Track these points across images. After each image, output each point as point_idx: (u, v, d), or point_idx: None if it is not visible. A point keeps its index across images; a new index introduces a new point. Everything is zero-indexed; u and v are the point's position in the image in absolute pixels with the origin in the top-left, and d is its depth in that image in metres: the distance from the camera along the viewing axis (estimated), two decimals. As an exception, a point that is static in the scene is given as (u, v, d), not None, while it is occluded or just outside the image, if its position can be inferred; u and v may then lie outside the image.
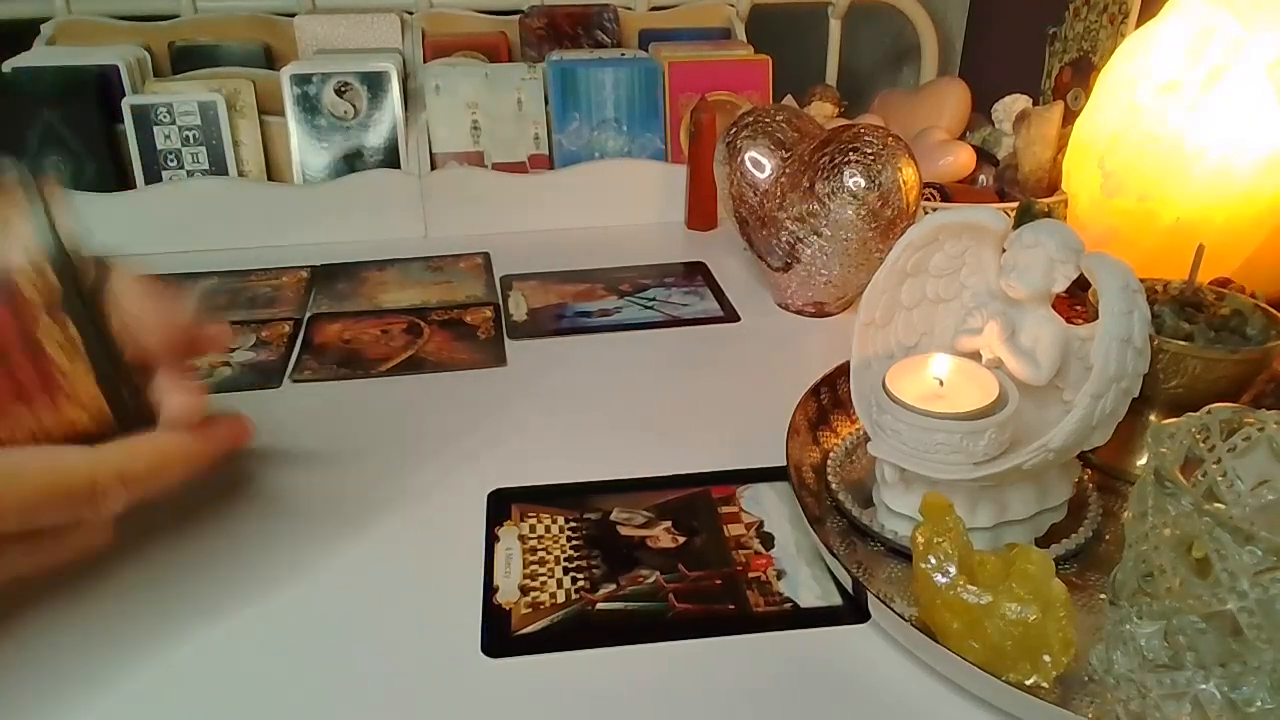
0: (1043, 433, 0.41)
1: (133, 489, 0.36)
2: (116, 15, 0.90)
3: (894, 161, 0.62)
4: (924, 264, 0.48)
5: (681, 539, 0.47)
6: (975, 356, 0.46)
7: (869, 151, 0.62)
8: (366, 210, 0.82)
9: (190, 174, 0.81)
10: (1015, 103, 0.85)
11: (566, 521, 0.48)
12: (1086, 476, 0.49)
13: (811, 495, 0.47)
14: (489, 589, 0.43)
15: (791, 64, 0.95)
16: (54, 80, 0.79)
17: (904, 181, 0.62)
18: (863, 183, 0.61)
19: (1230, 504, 0.38)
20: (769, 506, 0.49)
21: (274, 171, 0.83)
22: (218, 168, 0.81)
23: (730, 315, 0.70)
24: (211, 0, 0.92)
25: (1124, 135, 0.62)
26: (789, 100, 0.97)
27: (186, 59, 0.89)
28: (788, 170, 0.66)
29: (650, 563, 0.45)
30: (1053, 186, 0.76)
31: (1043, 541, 0.45)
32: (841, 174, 0.62)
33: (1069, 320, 0.45)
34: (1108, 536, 0.45)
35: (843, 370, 0.54)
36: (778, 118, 0.68)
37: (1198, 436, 0.38)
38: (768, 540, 0.47)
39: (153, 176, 0.80)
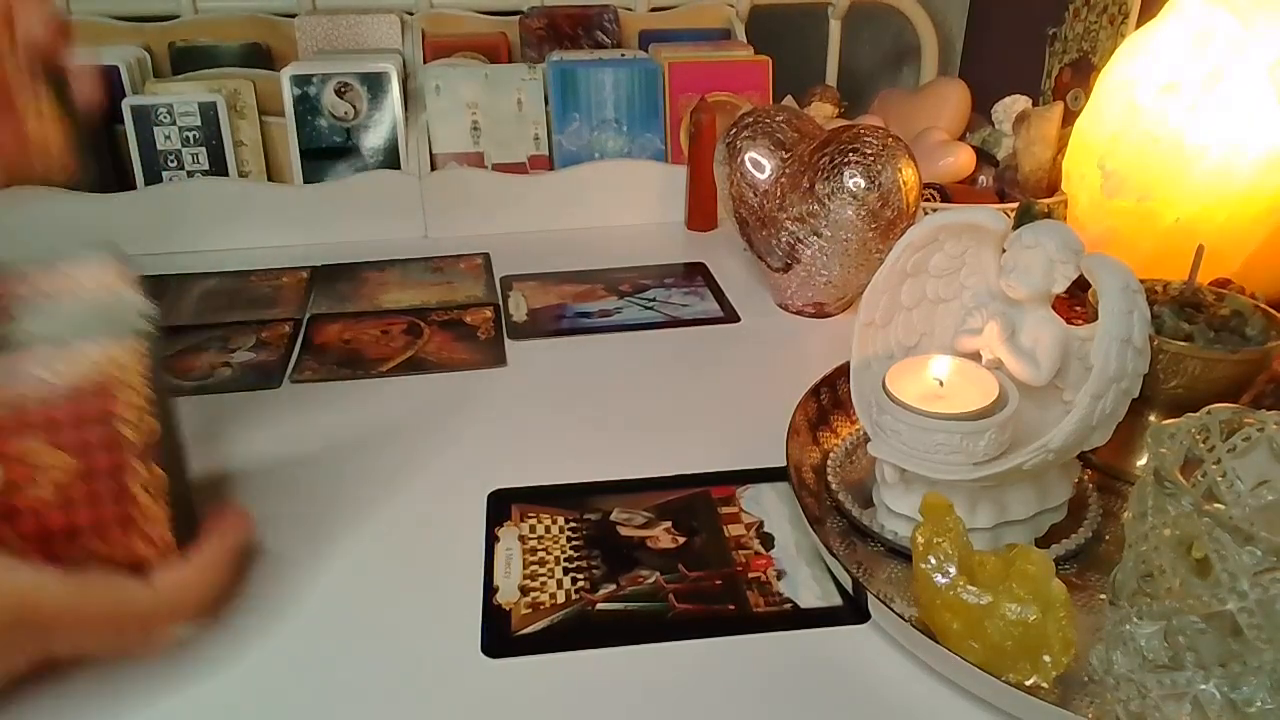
0: (1043, 433, 0.41)
1: (180, 621, 0.38)
2: (116, 15, 0.90)
3: (894, 162, 0.62)
4: (924, 264, 0.48)
5: (681, 539, 0.47)
6: (975, 357, 0.46)
7: (869, 152, 0.62)
8: (366, 210, 0.82)
9: (190, 174, 0.81)
10: (1015, 103, 0.85)
11: (566, 522, 0.48)
12: (1086, 476, 0.49)
13: (811, 495, 0.47)
14: (489, 589, 0.43)
15: (791, 64, 0.95)
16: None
17: (904, 182, 0.62)
18: (863, 183, 0.61)
19: (1230, 504, 0.38)
20: (769, 507, 0.49)
21: (274, 171, 0.83)
22: (218, 168, 0.81)
23: (730, 316, 0.70)
24: (211, 0, 0.92)
25: (1124, 135, 0.62)
26: (789, 100, 0.97)
27: (186, 59, 0.89)
28: (788, 171, 0.66)
29: (650, 563, 0.45)
30: (1053, 187, 0.76)
31: (1043, 542, 0.45)
32: (841, 174, 0.62)
33: (1069, 320, 0.45)
34: (1108, 536, 0.45)
35: (843, 370, 0.54)
36: (778, 118, 0.68)
37: (1198, 436, 0.38)
38: (768, 540, 0.47)
39: (153, 177, 0.80)
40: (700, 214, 0.86)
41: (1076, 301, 0.59)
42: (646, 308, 0.71)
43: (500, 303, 0.72)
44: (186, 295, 0.73)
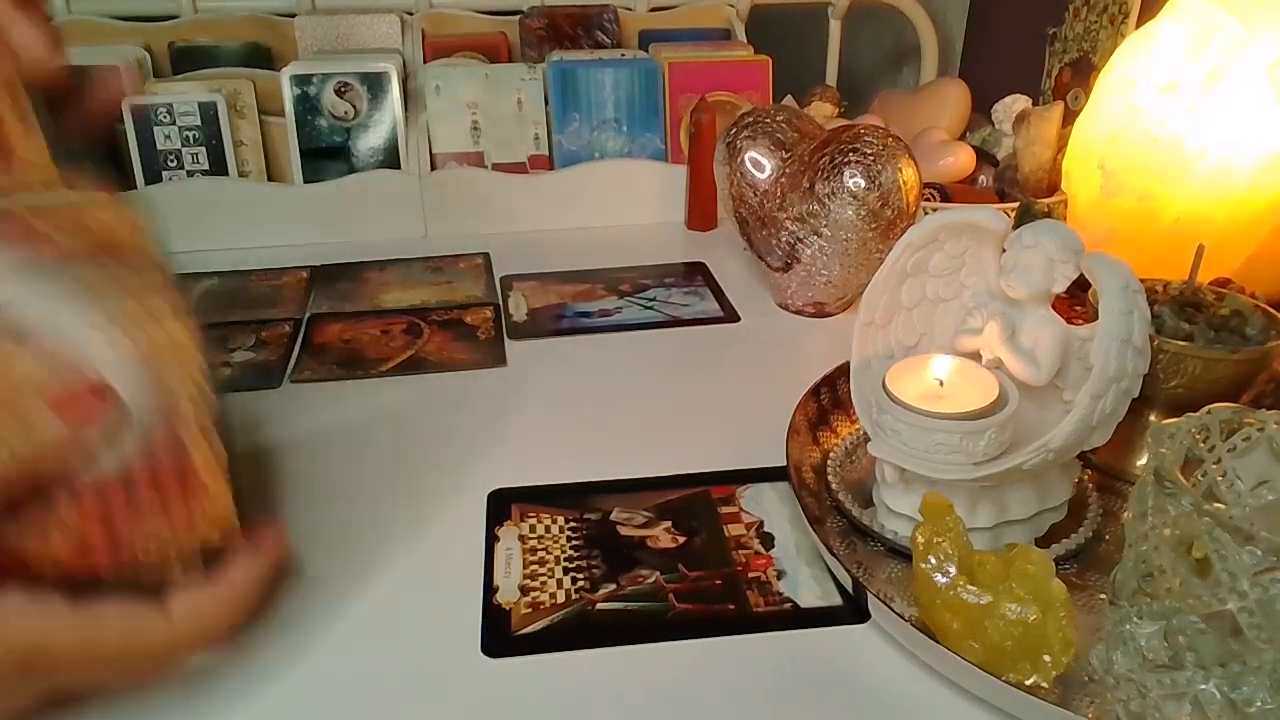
0: (1043, 433, 0.41)
1: (198, 653, 0.36)
2: (116, 15, 0.90)
3: (894, 162, 0.62)
4: (924, 264, 0.48)
5: (681, 539, 0.47)
6: (975, 356, 0.46)
7: (869, 152, 0.62)
8: (366, 210, 0.82)
9: (190, 174, 0.81)
10: (1015, 103, 0.85)
11: (566, 521, 0.48)
12: (1086, 476, 0.49)
13: (811, 495, 0.47)
14: (489, 589, 0.43)
15: (791, 64, 0.95)
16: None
17: (904, 182, 0.62)
18: (863, 183, 0.61)
19: (1230, 504, 0.38)
20: (769, 506, 0.49)
21: (274, 171, 0.83)
22: (218, 168, 0.81)
23: (730, 315, 0.70)
24: (211, 0, 0.92)
25: (1124, 135, 0.62)
26: (789, 100, 0.97)
27: (186, 59, 0.89)
28: (788, 170, 0.66)
29: (650, 563, 0.45)
30: (1053, 187, 0.76)
31: (1043, 541, 0.45)
32: (841, 174, 0.62)
33: (1069, 320, 0.45)
34: (1108, 536, 0.45)
35: (843, 370, 0.54)
36: (778, 118, 0.68)
37: (1198, 436, 0.38)
38: (768, 540, 0.47)
39: (153, 176, 0.80)
40: (700, 214, 0.86)
41: (1076, 301, 0.59)
42: (646, 307, 0.71)
43: (500, 302, 0.72)
44: (186, 295, 0.72)
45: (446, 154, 0.85)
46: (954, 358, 0.45)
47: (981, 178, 0.84)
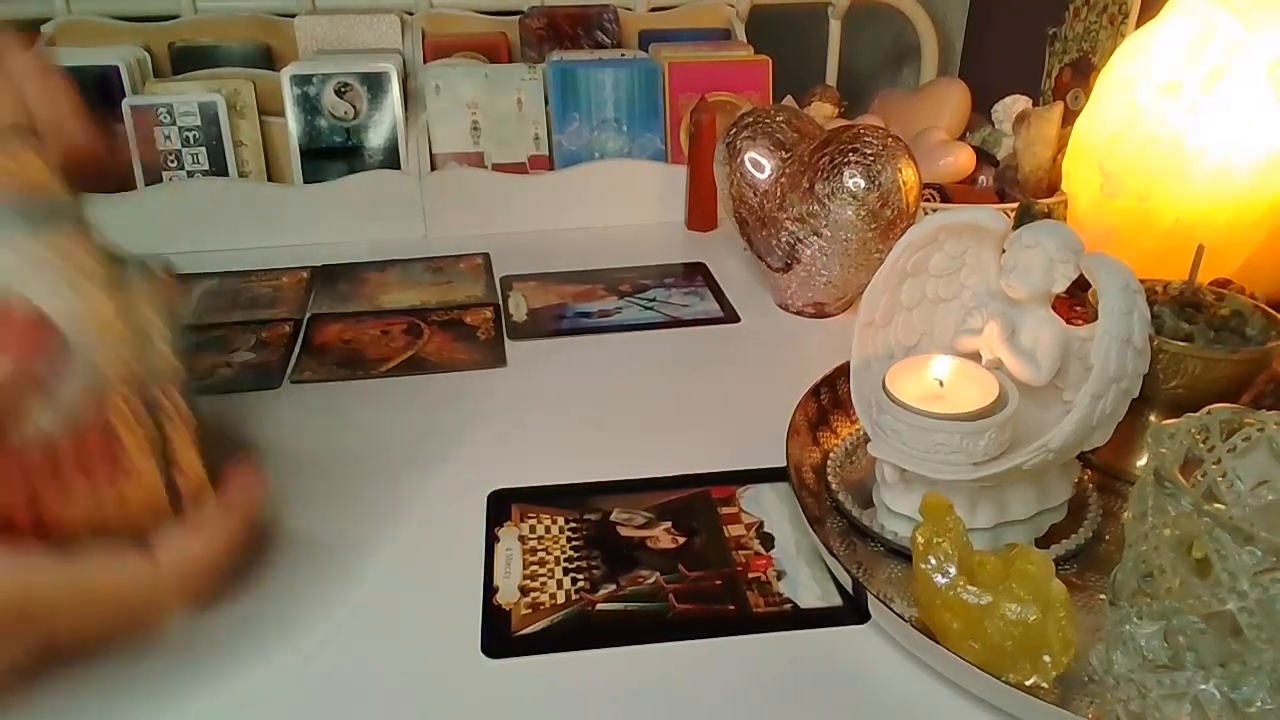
0: (1043, 433, 0.41)
1: (187, 597, 0.36)
2: (116, 15, 0.90)
3: (894, 162, 0.62)
4: (924, 264, 0.48)
5: (681, 539, 0.47)
6: (975, 356, 0.46)
7: (869, 152, 0.62)
8: (366, 210, 0.82)
9: (190, 174, 0.81)
10: (1015, 103, 0.85)
11: (566, 522, 0.48)
12: (1086, 476, 0.49)
13: (811, 495, 0.47)
14: (489, 589, 0.43)
15: (791, 64, 0.95)
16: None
17: (904, 182, 0.62)
18: (863, 183, 0.61)
19: (1230, 504, 0.38)
20: (769, 507, 0.49)
21: (274, 171, 0.83)
22: (218, 168, 0.81)
23: (730, 316, 0.70)
24: (211, 0, 0.92)
25: (1124, 135, 0.62)
26: (789, 100, 0.97)
27: (186, 59, 0.89)
28: (788, 170, 0.66)
29: (650, 563, 0.45)
30: (1053, 187, 0.76)
31: (1043, 542, 0.45)
32: (841, 174, 0.62)
33: (1069, 320, 0.45)
34: (1108, 536, 0.45)
35: (843, 370, 0.54)
36: (778, 118, 0.68)
37: (1198, 436, 0.38)
38: (768, 540, 0.47)
39: (153, 177, 0.80)
40: (700, 214, 0.86)
41: (1076, 301, 0.59)
42: (646, 308, 0.71)
43: (500, 303, 0.72)
44: (186, 295, 0.73)
45: (446, 154, 0.85)
46: (954, 358, 0.45)
47: (981, 178, 0.84)
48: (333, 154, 0.83)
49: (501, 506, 0.49)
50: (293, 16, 0.91)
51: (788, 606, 0.42)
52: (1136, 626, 0.35)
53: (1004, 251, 0.45)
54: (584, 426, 0.56)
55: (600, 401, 0.59)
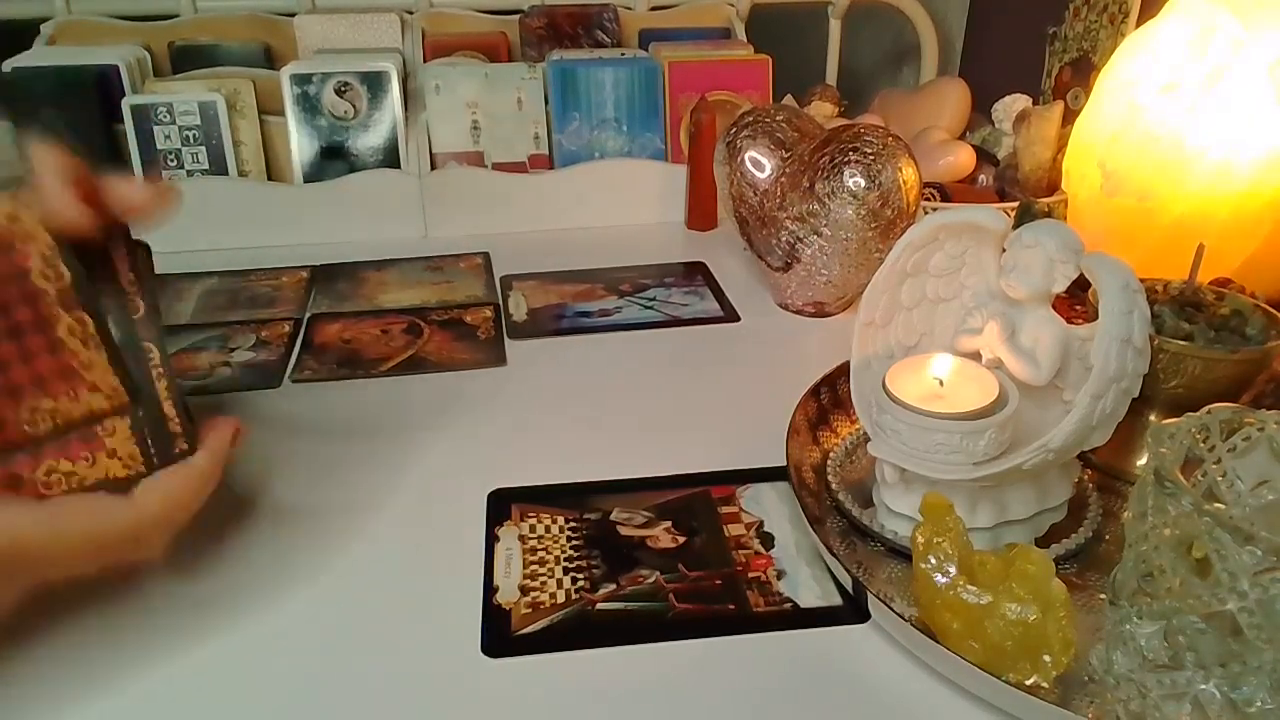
0: (1043, 433, 0.41)
1: (171, 530, 0.38)
2: (116, 15, 0.90)
3: (894, 161, 0.62)
4: (924, 264, 0.48)
5: (681, 539, 0.47)
6: (975, 356, 0.46)
7: (869, 151, 0.62)
8: (366, 210, 0.82)
9: (190, 174, 0.81)
10: (1015, 103, 0.85)
11: (566, 521, 0.48)
12: (1086, 476, 0.49)
13: (811, 495, 0.47)
14: (489, 589, 0.43)
15: (791, 64, 0.95)
16: (54, 80, 0.79)
17: (904, 181, 0.62)
18: (863, 183, 0.61)
19: (1230, 504, 0.38)
20: (769, 506, 0.49)
21: (274, 171, 0.83)
22: (218, 168, 0.81)
23: (730, 315, 0.70)
24: (211, 0, 0.92)
25: (1124, 135, 0.62)
26: (789, 100, 0.97)
27: (186, 59, 0.89)
28: (788, 170, 0.66)
29: (650, 563, 0.45)
30: (1053, 186, 0.76)
31: (1043, 541, 0.45)
32: (841, 174, 0.62)
33: (1069, 320, 0.45)
34: (1108, 536, 0.45)
35: (843, 370, 0.54)
36: (778, 118, 0.68)
37: (1198, 436, 0.38)
38: (768, 540, 0.47)
39: (153, 177, 0.80)
40: (700, 213, 0.86)
41: (1076, 301, 0.59)
42: (646, 307, 0.71)
43: (500, 302, 0.72)
44: (186, 295, 0.73)
45: (446, 153, 0.85)
46: (954, 358, 0.45)
47: (981, 177, 0.84)
48: (333, 154, 0.83)
49: (501, 506, 0.49)
50: (293, 16, 0.91)
51: (788, 606, 0.42)
52: (1136, 626, 0.35)
53: (1004, 251, 0.45)
54: (584, 426, 0.56)
55: (600, 401, 0.59)
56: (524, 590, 0.43)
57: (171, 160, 0.80)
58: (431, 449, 0.54)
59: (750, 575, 0.44)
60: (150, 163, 0.79)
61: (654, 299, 0.73)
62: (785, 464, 0.48)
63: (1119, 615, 0.36)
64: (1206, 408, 0.38)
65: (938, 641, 0.37)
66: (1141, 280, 0.42)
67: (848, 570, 0.41)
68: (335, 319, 0.69)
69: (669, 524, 0.48)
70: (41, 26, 0.87)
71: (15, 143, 0.37)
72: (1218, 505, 0.37)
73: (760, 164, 0.67)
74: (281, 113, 0.82)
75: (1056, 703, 0.35)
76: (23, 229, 0.35)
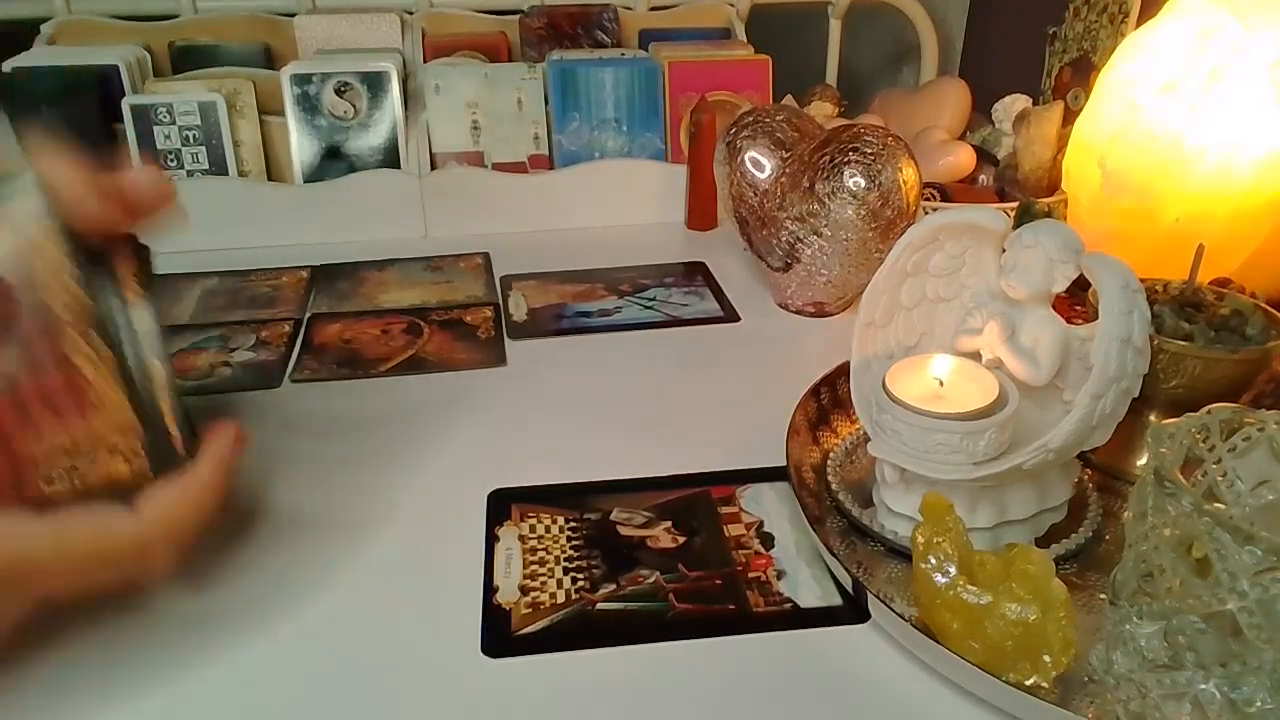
0: (1043, 433, 0.41)
1: (175, 543, 0.37)
2: (116, 15, 0.90)
3: (894, 161, 0.62)
4: (924, 264, 0.48)
5: (681, 539, 0.47)
6: (975, 356, 0.46)
7: (869, 151, 0.62)
8: (366, 210, 0.82)
9: (190, 174, 0.81)
10: (1015, 103, 0.85)
11: (566, 521, 0.48)
12: (1086, 476, 0.49)
13: (811, 495, 0.47)
14: (489, 589, 0.43)
15: (791, 64, 0.95)
16: (54, 80, 0.79)
17: (904, 181, 0.62)
18: (863, 183, 0.61)
19: (1230, 504, 0.38)
20: (769, 506, 0.49)
21: (274, 171, 0.83)
22: (218, 168, 0.81)
23: (730, 315, 0.70)
24: (211, 0, 0.92)
25: (1124, 135, 0.62)
26: (789, 100, 0.97)
27: (186, 59, 0.89)
28: (788, 170, 0.66)
29: (650, 563, 0.45)
30: (1053, 186, 0.76)
31: (1043, 541, 0.45)
32: (841, 174, 0.62)
33: (1069, 320, 0.45)
34: (1108, 536, 0.45)
35: (843, 370, 0.54)
36: (778, 118, 0.68)
37: (1198, 436, 0.38)
38: (768, 540, 0.47)
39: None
40: (700, 213, 0.86)
41: (1076, 301, 0.59)
42: (646, 307, 0.71)
43: (500, 302, 0.72)
44: (186, 295, 0.73)
45: (446, 154, 0.85)
46: (954, 358, 0.45)
47: (981, 177, 0.84)
48: (333, 154, 0.83)
49: (501, 506, 0.49)
50: (293, 16, 0.91)
51: (788, 606, 0.42)
52: (1136, 626, 0.35)
53: (1004, 251, 0.45)
54: (584, 426, 0.56)
55: (600, 401, 0.59)
56: (524, 590, 0.43)
57: (171, 160, 0.80)
58: (431, 449, 0.54)
59: (750, 575, 0.44)
60: (150, 163, 0.79)
61: (654, 299, 0.73)
62: (785, 464, 0.48)
63: (1119, 615, 0.36)
64: (1206, 408, 0.38)
65: (938, 641, 0.37)
66: (1141, 280, 0.42)
67: (848, 570, 0.41)
68: (335, 319, 0.69)
69: (669, 524, 0.48)
70: (41, 26, 0.87)
71: (12, 138, 0.36)
72: (1218, 505, 0.37)
73: (760, 164, 0.67)
74: (281, 113, 0.82)
75: (1056, 703, 0.35)
76: (37, 252, 0.34)
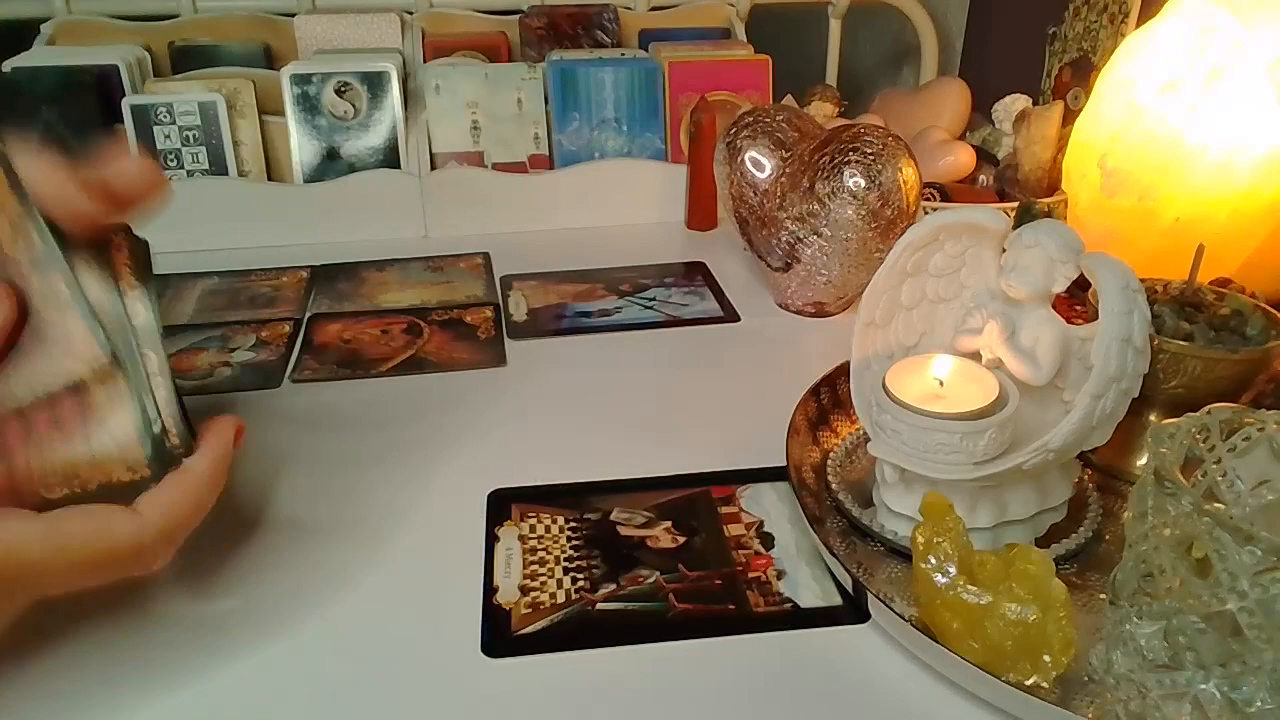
0: (1043, 433, 0.41)
1: (175, 542, 0.36)
2: (116, 15, 0.90)
3: (894, 161, 0.62)
4: (924, 264, 0.48)
5: (681, 539, 0.47)
6: (975, 356, 0.46)
7: (869, 151, 0.62)
8: (366, 210, 0.82)
9: (190, 174, 0.81)
10: (1015, 103, 0.85)
11: (566, 521, 0.48)
12: (1086, 476, 0.49)
13: (811, 495, 0.47)
14: (489, 589, 0.43)
15: (791, 64, 0.95)
16: (54, 80, 0.79)
17: (904, 181, 0.62)
18: (863, 183, 0.61)
19: (1230, 504, 0.38)
20: (769, 506, 0.49)
21: (274, 171, 0.83)
22: (218, 168, 0.81)
23: (730, 315, 0.70)
24: (211, 0, 0.92)
25: (1124, 135, 0.62)
26: (789, 100, 0.97)
27: (186, 59, 0.89)
28: (788, 170, 0.66)
29: (650, 563, 0.45)
30: (1053, 186, 0.76)
31: (1043, 541, 0.45)
32: (841, 174, 0.62)
33: (1069, 320, 0.45)
34: (1108, 536, 0.45)
35: (843, 370, 0.54)
36: (778, 118, 0.68)
37: (1198, 436, 0.38)
38: (768, 540, 0.47)
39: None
40: (700, 213, 0.86)
41: (1076, 301, 0.59)
42: (646, 307, 0.71)
43: (500, 302, 0.72)
44: (186, 295, 0.73)
45: (446, 154, 0.85)
46: (954, 358, 0.45)
47: (981, 178, 0.84)
48: (333, 154, 0.83)
49: (501, 506, 0.49)
50: (293, 16, 0.91)
51: (788, 606, 0.42)
52: (1136, 626, 0.35)
53: (1004, 251, 0.45)
54: (584, 426, 0.56)
55: (600, 401, 0.59)
56: (524, 590, 0.43)
57: (171, 160, 0.80)
58: (431, 449, 0.54)
59: (750, 575, 0.44)
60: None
61: (654, 299, 0.73)
62: (785, 464, 0.48)
63: (1119, 615, 0.36)
64: (1206, 408, 0.38)
65: (938, 641, 0.37)
66: (1141, 280, 0.42)
67: (848, 570, 0.41)
68: (335, 319, 0.69)
69: (669, 524, 0.48)
70: (41, 26, 0.87)
71: None
72: (1218, 505, 0.37)
73: (760, 164, 0.67)
74: (281, 113, 0.82)
75: (1056, 703, 0.35)
76: None
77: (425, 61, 0.89)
